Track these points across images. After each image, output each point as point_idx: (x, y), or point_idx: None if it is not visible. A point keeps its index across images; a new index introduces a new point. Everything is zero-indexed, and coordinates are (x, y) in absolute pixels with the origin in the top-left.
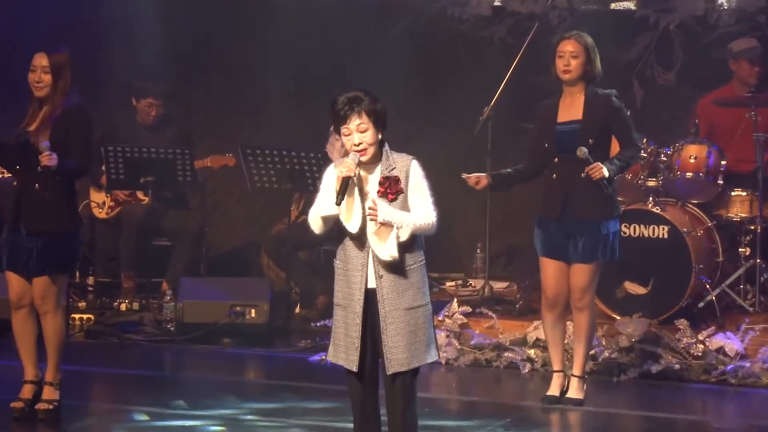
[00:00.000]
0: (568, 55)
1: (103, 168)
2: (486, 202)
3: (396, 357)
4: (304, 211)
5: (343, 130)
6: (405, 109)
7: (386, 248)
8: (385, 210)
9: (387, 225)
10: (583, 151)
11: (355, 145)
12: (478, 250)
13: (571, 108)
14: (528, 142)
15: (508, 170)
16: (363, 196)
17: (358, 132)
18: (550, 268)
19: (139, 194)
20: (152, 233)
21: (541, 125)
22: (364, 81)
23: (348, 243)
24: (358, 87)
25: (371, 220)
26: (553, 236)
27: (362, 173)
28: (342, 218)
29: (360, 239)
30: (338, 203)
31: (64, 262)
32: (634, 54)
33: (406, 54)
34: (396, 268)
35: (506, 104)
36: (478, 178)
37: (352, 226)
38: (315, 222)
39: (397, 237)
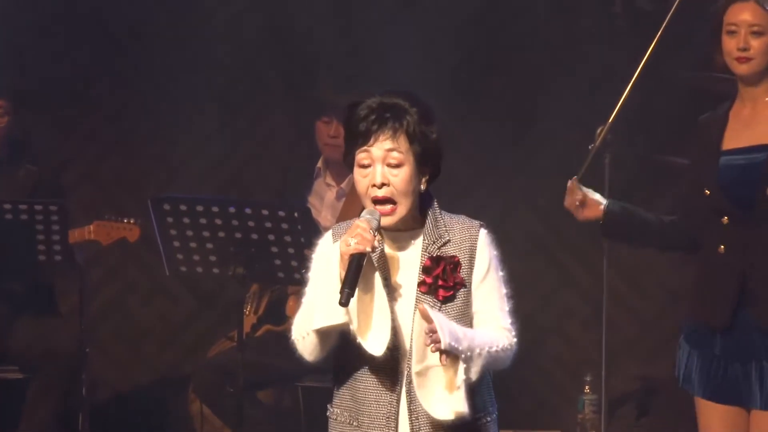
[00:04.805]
0: (745, 31)
1: None
2: (601, 292)
3: None
4: (268, 318)
5: (360, 155)
6: (450, 132)
7: (450, 400)
8: (447, 327)
9: (450, 356)
10: None
11: (375, 185)
12: (587, 388)
13: (751, 124)
14: (683, 184)
15: (648, 214)
16: (391, 290)
17: (386, 165)
18: (717, 418)
19: None
20: None
21: (699, 155)
22: (374, 84)
23: (362, 376)
24: (402, 89)
25: (434, 350)
26: (716, 361)
27: (387, 248)
28: (354, 329)
29: (385, 369)
30: (343, 302)
31: None
32: None
33: (450, 36)
34: (450, 426)
35: (638, 122)
36: (584, 200)
37: (374, 344)
38: (306, 343)
39: (466, 379)
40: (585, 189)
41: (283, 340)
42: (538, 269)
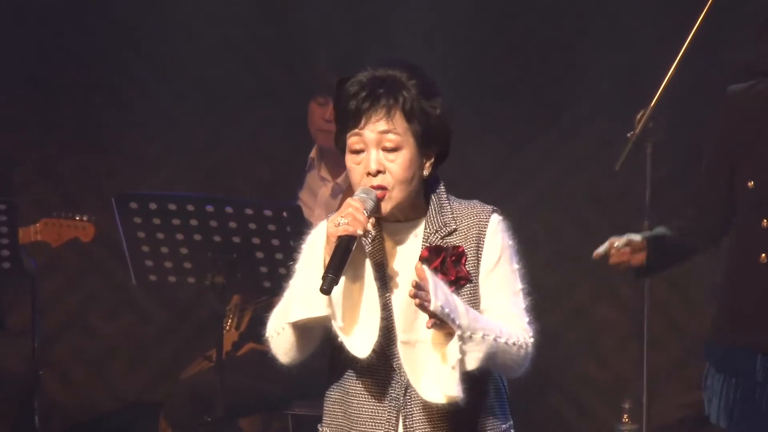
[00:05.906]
0: None
1: None
2: (642, 303)
3: None
4: (252, 334)
5: (352, 139)
6: (469, 118)
7: (440, 379)
8: (443, 292)
9: (443, 327)
10: None
11: (370, 173)
12: (625, 417)
13: None
14: (701, 168)
15: (666, 230)
16: (385, 280)
17: (381, 149)
18: None
19: None
20: None
21: (735, 135)
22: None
23: (355, 389)
24: (398, 59)
25: (419, 304)
26: (759, 390)
27: (385, 241)
28: (336, 326)
29: (382, 381)
30: (325, 289)
31: None
32: None
33: (468, 12)
34: None
35: (683, 108)
36: (629, 249)
37: (359, 344)
38: (281, 340)
39: (461, 360)
40: (623, 241)
41: (269, 359)
42: (568, 276)
